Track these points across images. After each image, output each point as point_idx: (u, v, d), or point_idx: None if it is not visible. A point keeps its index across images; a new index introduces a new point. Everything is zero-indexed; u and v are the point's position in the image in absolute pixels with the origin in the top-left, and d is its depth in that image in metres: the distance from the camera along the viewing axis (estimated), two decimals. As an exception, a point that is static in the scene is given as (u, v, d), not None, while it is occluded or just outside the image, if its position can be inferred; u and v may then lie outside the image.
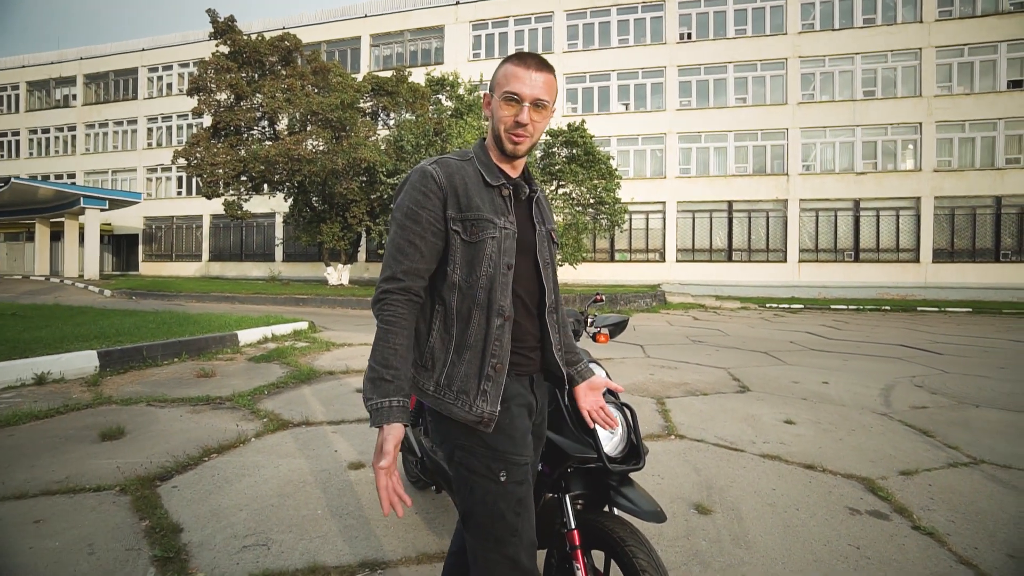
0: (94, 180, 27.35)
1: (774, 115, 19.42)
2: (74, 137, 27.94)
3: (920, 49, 18.32)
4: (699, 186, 20.02)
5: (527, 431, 1.18)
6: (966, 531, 2.15)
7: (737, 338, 8.27)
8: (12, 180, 19.54)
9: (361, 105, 16.70)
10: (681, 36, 20.43)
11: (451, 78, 17.18)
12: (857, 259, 18.68)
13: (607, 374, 1.57)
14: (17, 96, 28.93)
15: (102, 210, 20.81)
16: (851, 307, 14.70)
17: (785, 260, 19.18)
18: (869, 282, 18.10)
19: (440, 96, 17.55)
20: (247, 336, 6.55)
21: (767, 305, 15.18)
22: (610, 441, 1.41)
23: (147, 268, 26.76)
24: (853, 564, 1.90)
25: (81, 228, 21.39)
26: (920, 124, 18.25)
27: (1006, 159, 17.78)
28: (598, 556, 1.34)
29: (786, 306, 15.04)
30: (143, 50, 26.83)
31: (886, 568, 1.87)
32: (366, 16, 23.75)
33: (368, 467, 2.75)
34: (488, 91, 1.19)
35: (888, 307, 14.60)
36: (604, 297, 2.06)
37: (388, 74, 17.77)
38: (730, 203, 19.76)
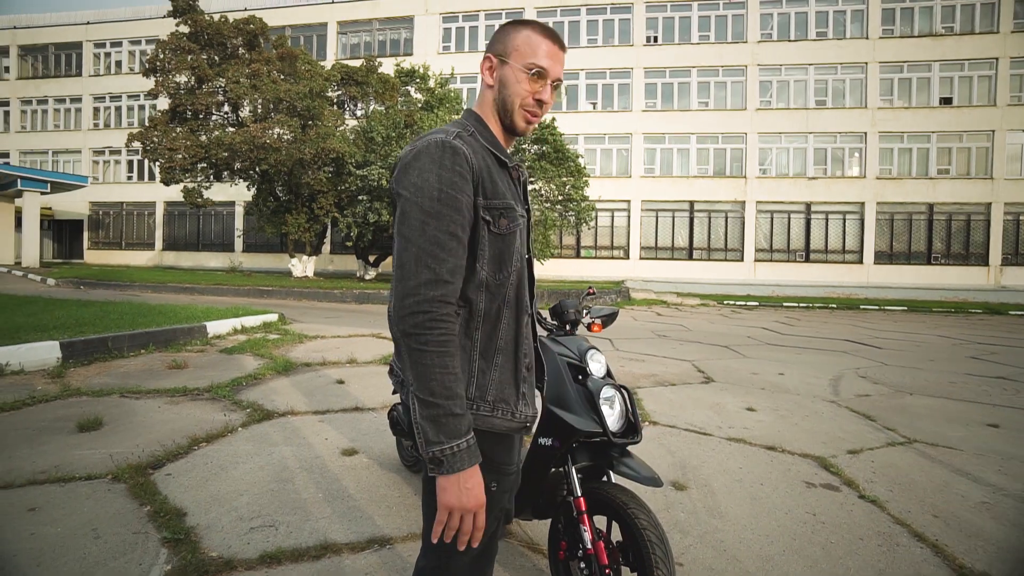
0: (32, 161, 25.45)
1: (734, 119, 20.28)
2: (7, 113, 25.90)
3: (866, 63, 19.57)
4: (663, 186, 20.69)
5: (522, 437, 1.13)
6: (901, 498, 2.46)
7: (699, 333, 8.71)
8: (-63, 158, 17.96)
9: (329, 94, 16.32)
10: (648, 39, 20.99)
11: (421, 70, 17.04)
12: (808, 259, 19.85)
13: (605, 360, 1.74)
14: (-60, 66, 26.53)
15: (43, 193, 19.44)
16: (802, 305, 15.62)
17: (742, 259, 20.14)
18: (818, 281, 19.27)
19: (409, 88, 17.38)
20: (216, 327, 6.39)
21: (725, 302, 15.92)
22: (610, 418, 1.58)
23: (93, 256, 25.19)
24: (811, 528, 2.16)
25: (18, 212, 19.91)
26: (865, 134, 19.53)
27: (938, 169, 19.32)
28: (600, 521, 1.51)
29: (742, 303, 15.81)
30: (88, 23, 25.11)
31: (838, 530, 2.15)
32: (333, 2, 23.12)
33: (362, 453, 2.84)
34: (493, 55, 1.02)
35: (835, 305, 15.62)
36: (596, 291, 2.24)
37: (357, 63, 17.43)
38: (691, 203, 20.53)
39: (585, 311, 2.05)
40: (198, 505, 2.19)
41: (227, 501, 2.24)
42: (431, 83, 16.77)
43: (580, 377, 1.64)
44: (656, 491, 2.45)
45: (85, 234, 25.50)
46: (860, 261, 19.56)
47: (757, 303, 15.88)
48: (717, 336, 8.32)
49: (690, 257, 20.53)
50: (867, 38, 19.58)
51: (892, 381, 5.12)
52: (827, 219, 19.84)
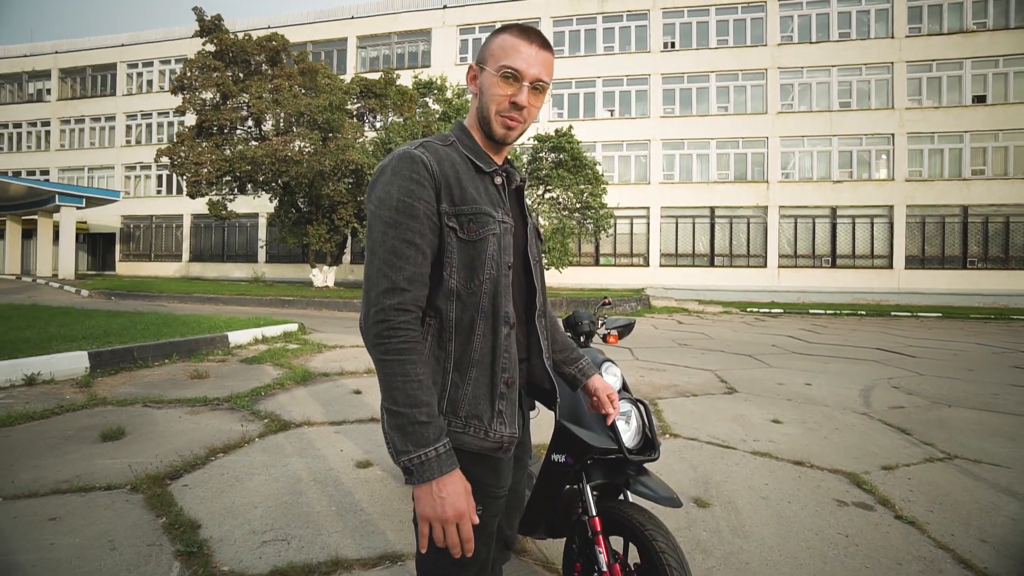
0: (69, 177, 26.57)
1: (754, 124, 19.95)
2: (48, 133, 27.13)
3: (892, 63, 19.06)
4: (682, 192, 20.44)
5: (511, 459, 1.07)
6: (943, 520, 2.31)
7: (721, 341, 8.50)
8: (-18, 176, 18.91)
9: (348, 107, 16.64)
10: (665, 45, 20.87)
11: (439, 81, 17.27)
12: (834, 265, 19.28)
13: (621, 373, 1.68)
14: (-13, 89, 28.02)
15: (78, 208, 20.24)
16: (829, 312, 15.16)
17: (765, 265, 19.69)
18: (846, 288, 18.69)
19: (427, 99, 17.61)
20: (238, 337, 6.50)
21: (748, 309, 15.56)
22: (626, 434, 1.51)
23: (124, 268, 26.07)
24: (843, 550, 2.04)
25: (55, 226, 20.77)
26: (892, 135, 18.97)
27: (972, 170, 18.60)
28: (617, 542, 1.44)
29: (767, 310, 15.43)
30: (122, 45, 26.23)
31: (873, 553, 2.02)
32: (353, 17, 23.65)
33: (376, 466, 2.81)
34: (475, 64, 1.02)
35: (864, 312, 15.11)
36: (612, 300, 2.17)
37: (375, 76, 17.75)
38: (712, 209, 20.21)
39: (600, 322, 1.99)
40: (212, 517, 2.18)
41: (241, 513, 2.23)
42: (448, 94, 16.97)
43: (595, 391, 1.58)
44: (678, 509, 2.36)
45: (117, 246, 26.43)
46: (890, 266, 18.91)
47: (782, 310, 15.48)
48: (740, 345, 8.11)
49: (711, 264, 20.16)
50: (893, 37, 19.08)
51: (928, 392, 4.89)
52: (854, 223, 19.27)
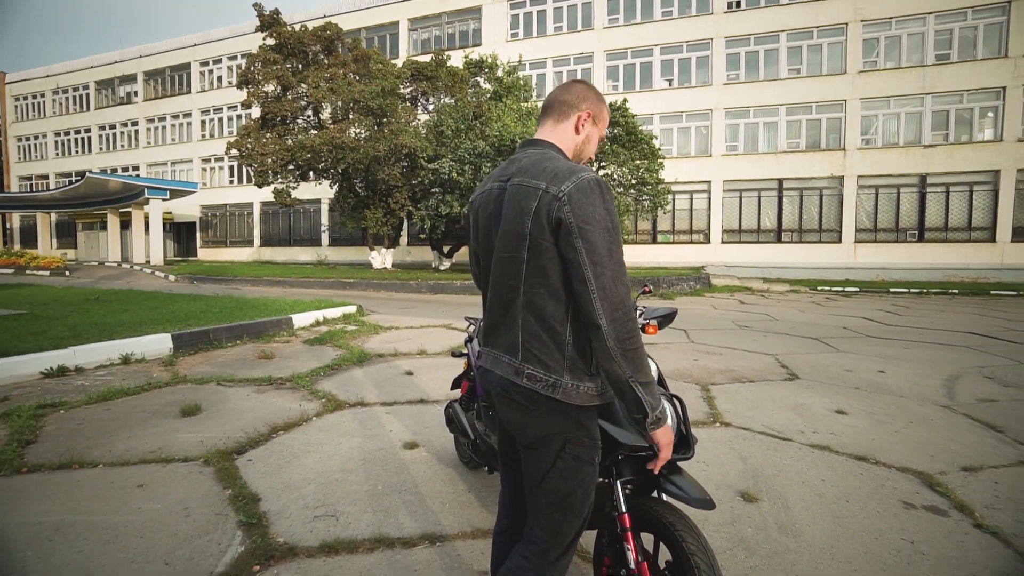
0: (155, 171, 29.05)
1: (831, 86, 18.21)
2: (137, 132, 29.69)
3: (1009, 3, 16.56)
4: (747, 164, 19.17)
5: None
6: (1033, 530, 2.07)
7: (786, 323, 8.01)
8: (87, 174, 21.15)
9: (401, 91, 16.89)
10: (729, 5, 19.36)
11: (489, 60, 17.06)
12: (922, 239, 17.46)
13: (657, 366, 1.61)
14: (88, 95, 30.94)
15: (163, 200, 22.15)
16: (913, 290, 13.84)
17: (840, 240, 18.19)
18: (935, 263, 16.91)
19: (479, 79, 17.50)
20: (301, 320, 6.92)
21: (819, 288, 14.53)
22: (660, 431, 1.45)
23: (204, 254, 28.38)
24: (906, 558, 1.88)
25: (146, 217, 22.89)
26: (1004, 89, 16.63)
27: (1103, 126, 16.00)
28: (647, 539, 1.41)
29: (840, 289, 14.33)
30: (195, 45, 27.98)
31: (943, 565, 1.85)
32: (403, 0, 23.78)
33: (422, 447, 2.92)
34: (592, 115, 1.29)
35: (956, 291, 13.65)
36: (652, 288, 2.08)
37: (427, 58, 17.84)
38: (780, 181, 18.84)
39: (639, 311, 1.92)
40: (271, 491, 2.37)
41: (296, 489, 2.40)
42: (499, 72, 16.75)
43: (626, 385, 1.53)
44: (723, 502, 2.28)
45: (198, 234, 28.77)
46: (992, 239, 16.84)
47: (857, 289, 14.31)
48: (807, 327, 7.60)
49: (778, 240, 18.90)
50: (1009, -28, 16.53)
51: (1027, 383, 4.36)
52: (948, 192, 17.26)
